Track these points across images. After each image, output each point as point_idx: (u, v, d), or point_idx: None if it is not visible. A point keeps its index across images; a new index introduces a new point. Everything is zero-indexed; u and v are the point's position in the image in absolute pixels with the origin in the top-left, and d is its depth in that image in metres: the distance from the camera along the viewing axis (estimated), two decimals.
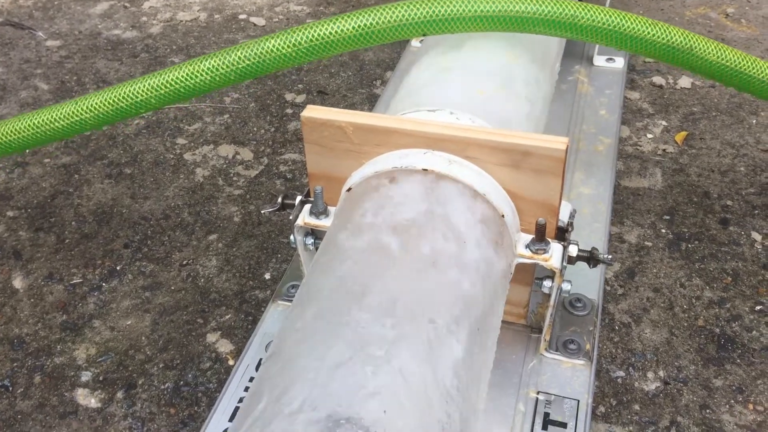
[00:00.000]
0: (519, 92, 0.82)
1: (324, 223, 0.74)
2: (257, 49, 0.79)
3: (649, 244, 1.00)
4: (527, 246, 0.70)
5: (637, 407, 0.81)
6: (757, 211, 1.05)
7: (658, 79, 1.33)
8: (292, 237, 0.77)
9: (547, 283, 0.73)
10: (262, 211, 0.96)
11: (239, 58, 0.79)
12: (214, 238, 1.05)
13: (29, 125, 0.89)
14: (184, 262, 1.01)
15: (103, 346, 0.91)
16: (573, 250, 0.73)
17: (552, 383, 0.75)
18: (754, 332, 0.89)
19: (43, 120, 0.88)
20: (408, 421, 0.46)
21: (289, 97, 1.34)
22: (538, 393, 0.74)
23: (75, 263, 1.02)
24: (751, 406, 0.81)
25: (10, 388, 0.86)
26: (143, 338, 0.91)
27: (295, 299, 0.60)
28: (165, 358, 0.88)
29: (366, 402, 0.45)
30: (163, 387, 0.85)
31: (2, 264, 1.02)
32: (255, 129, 1.26)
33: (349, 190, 0.71)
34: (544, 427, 0.70)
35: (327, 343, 0.50)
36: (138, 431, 0.81)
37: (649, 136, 1.20)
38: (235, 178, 1.16)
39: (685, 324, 0.90)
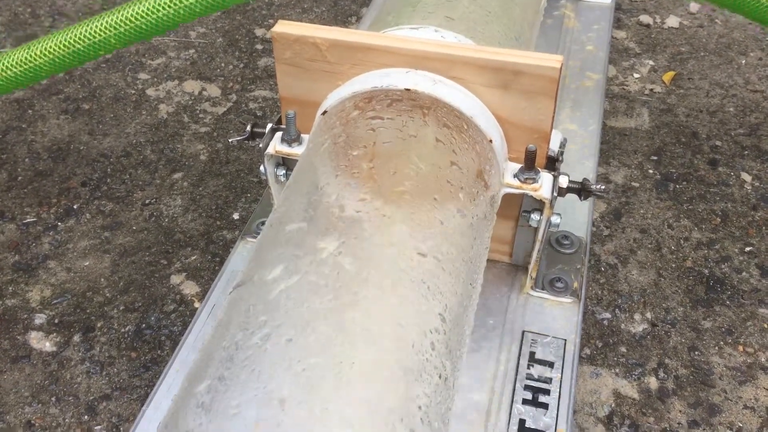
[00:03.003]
0: (506, 21, 0.76)
1: (296, 151, 0.69)
2: None
3: (636, 184, 0.97)
4: (515, 175, 0.65)
5: (623, 349, 0.78)
6: (746, 152, 1.01)
7: (645, 18, 1.28)
8: (262, 167, 0.72)
9: (535, 216, 0.68)
10: (230, 140, 0.89)
11: None
12: (179, 176, 0.99)
13: None
14: (147, 201, 0.95)
15: (59, 287, 0.85)
16: (563, 181, 0.68)
17: (538, 322, 0.71)
18: (744, 273, 0.85)
19: None
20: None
21: (259, 32, 1.27)
22: (523, 332, 0.70)
23: (28, 201, 0.95)
24: (740, 348, 0.78)
25: None
26: (102, 280, 0.85)
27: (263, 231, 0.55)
28: (126, 301, 0.83)
29: None
30: (123, 330, 0.80)
31: None
32: (223, 65, 1.19)
33: (324, 113, 0.66)
34: (529, 367, 0.67)
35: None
36: (96, 375, 0.76)
37: (636, 75, 1.15)
38: (201, 115, 1.10)
39: (673, 265, 0.86)
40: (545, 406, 0.66)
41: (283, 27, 0.66)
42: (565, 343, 0.70)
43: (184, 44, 1.24)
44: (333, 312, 0.46)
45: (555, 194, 0.67)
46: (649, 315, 0.81)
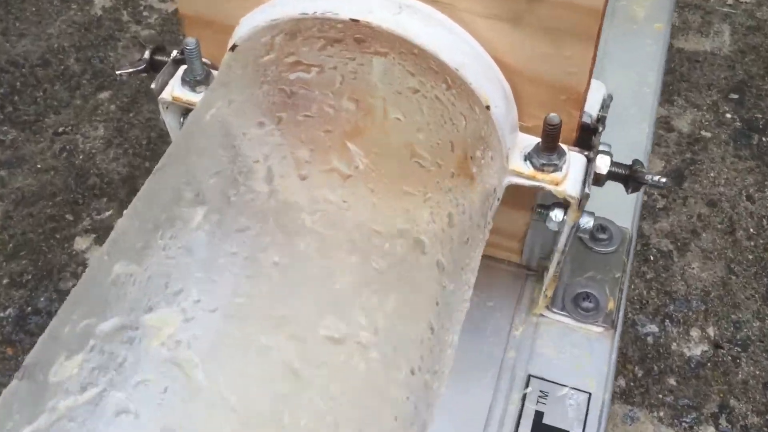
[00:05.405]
0: None
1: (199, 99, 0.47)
2: None
3: (708, 134, 0.74)
4: (527, 157, 0.43)
5: (672, 381, 0.58)
6: None
7: None
8: (161, 117, 0.51)
9: (555, 214, 0.46)
10: (117, 72, 0.69)
11: None
12: (106, 96, 0.80)
13: None
14: (60, 130, 0.77)
15: None
16: (602, 165, 0.45)
17: (551, 363, 0.50)
18: None
19: None
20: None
21: None
22: (529, 377, 0.49)
23: None
24: None
25: None
26: None
27: None
28: (13, 271, 0.65)
29: None
30: (2, 315, 0.62)
31: None
32: None
33: (233, 48, 0.43)
34: None
35: None
36: None
37: None
38: (145, 13, 0.88)
39: (750, 257, 0.65)
40: None
41: None
42: (589, 399, 0.50)
43: None
44: None
45: (587, 188, 0.44)
46: (711, 330, 0.60)
